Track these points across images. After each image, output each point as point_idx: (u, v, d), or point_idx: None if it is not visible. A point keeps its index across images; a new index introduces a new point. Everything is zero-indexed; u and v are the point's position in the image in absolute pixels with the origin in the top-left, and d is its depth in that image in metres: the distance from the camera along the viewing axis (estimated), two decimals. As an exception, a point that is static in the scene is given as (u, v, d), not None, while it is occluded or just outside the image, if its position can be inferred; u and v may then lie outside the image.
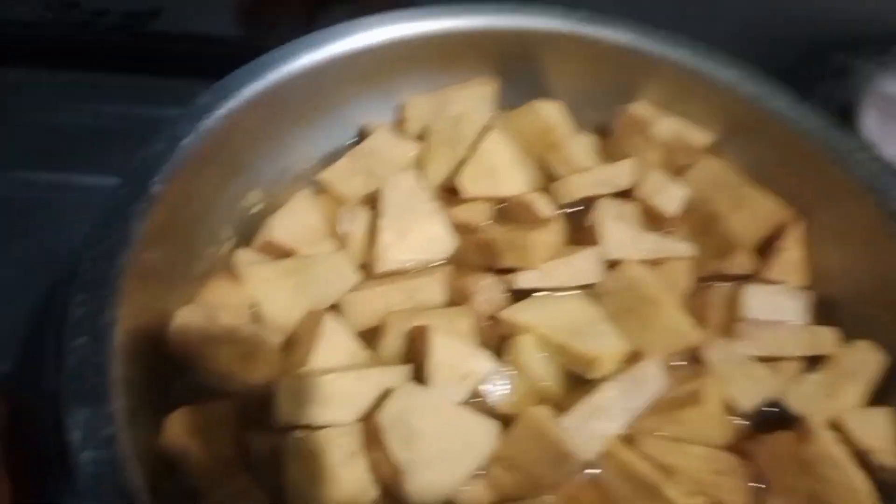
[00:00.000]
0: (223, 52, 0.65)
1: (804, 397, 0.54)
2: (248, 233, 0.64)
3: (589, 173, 0.67)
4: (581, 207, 0.67)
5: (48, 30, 0.92)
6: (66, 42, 0.92)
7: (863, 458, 0.52)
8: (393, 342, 0.58)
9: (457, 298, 0.62)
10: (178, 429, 0.51)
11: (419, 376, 0.54)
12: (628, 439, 0.54)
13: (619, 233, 0.62)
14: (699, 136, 0.68)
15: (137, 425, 0.48)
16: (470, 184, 0.65)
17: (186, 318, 0.56)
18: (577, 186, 0.66)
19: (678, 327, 0.58)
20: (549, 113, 0.69)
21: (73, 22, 0.92)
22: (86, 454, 0.43)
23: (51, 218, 0.76)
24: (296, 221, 0.63)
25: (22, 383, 0.63)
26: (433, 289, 0.62)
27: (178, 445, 0.50)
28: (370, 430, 0.51)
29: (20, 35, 0.91)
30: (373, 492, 0.50)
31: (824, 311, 0.61)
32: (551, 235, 0.63)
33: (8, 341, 0.66)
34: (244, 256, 0.62)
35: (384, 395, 0.52)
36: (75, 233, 0.71)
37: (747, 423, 0.56)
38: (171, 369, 0.56)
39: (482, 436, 0.52)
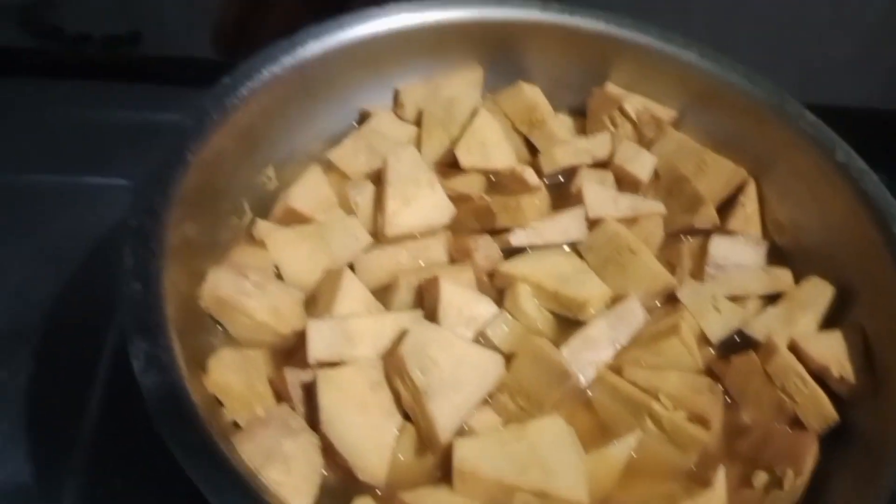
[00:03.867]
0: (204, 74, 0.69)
1: (766, 326, 0.62)
2: (263, 207, 0.70)
3: (571, 144, 0.75)
4: (562, 180, 0.76)
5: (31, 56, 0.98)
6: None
7: (818, 376, 0.60)
8: (404, 296, 0.65)
9: (458, 257, 0.69)
10: (221, 367, 0.57)
11: (430, 320, 0.61)
12: (616, 369, 0.61)
13: (599, 195, 0.70)
14: (664, 112, 0.76)
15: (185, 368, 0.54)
16: (465, 156, 0.73)
17: (218, 275, 0.62)
18: (561, 156, 0.74)
19: (654, 272, 0.66)
20: (534, 93, 0.77)
21: (56, 49, 0.97)
22: (147, 378, 0.49)
23: (59, 218, 0.82)
24: (311, 192, 0.70)
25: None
26: (437, 248, 0.69)
27: (221, 382, 0.56)
28: (391, 362, 0.57)
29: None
30: (398, 417, 0.57)
31: (777, 256, 0.70)
32: (540, 199, 0.71)
33: (19, 338, 0.71)
34: (264, 225, 0.68)
35: (401, 335, 0.59)
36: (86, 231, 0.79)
37: (714, 352, 0.64)
38: (208, 323, 0.62)
39: (489, 366, 0.59)
